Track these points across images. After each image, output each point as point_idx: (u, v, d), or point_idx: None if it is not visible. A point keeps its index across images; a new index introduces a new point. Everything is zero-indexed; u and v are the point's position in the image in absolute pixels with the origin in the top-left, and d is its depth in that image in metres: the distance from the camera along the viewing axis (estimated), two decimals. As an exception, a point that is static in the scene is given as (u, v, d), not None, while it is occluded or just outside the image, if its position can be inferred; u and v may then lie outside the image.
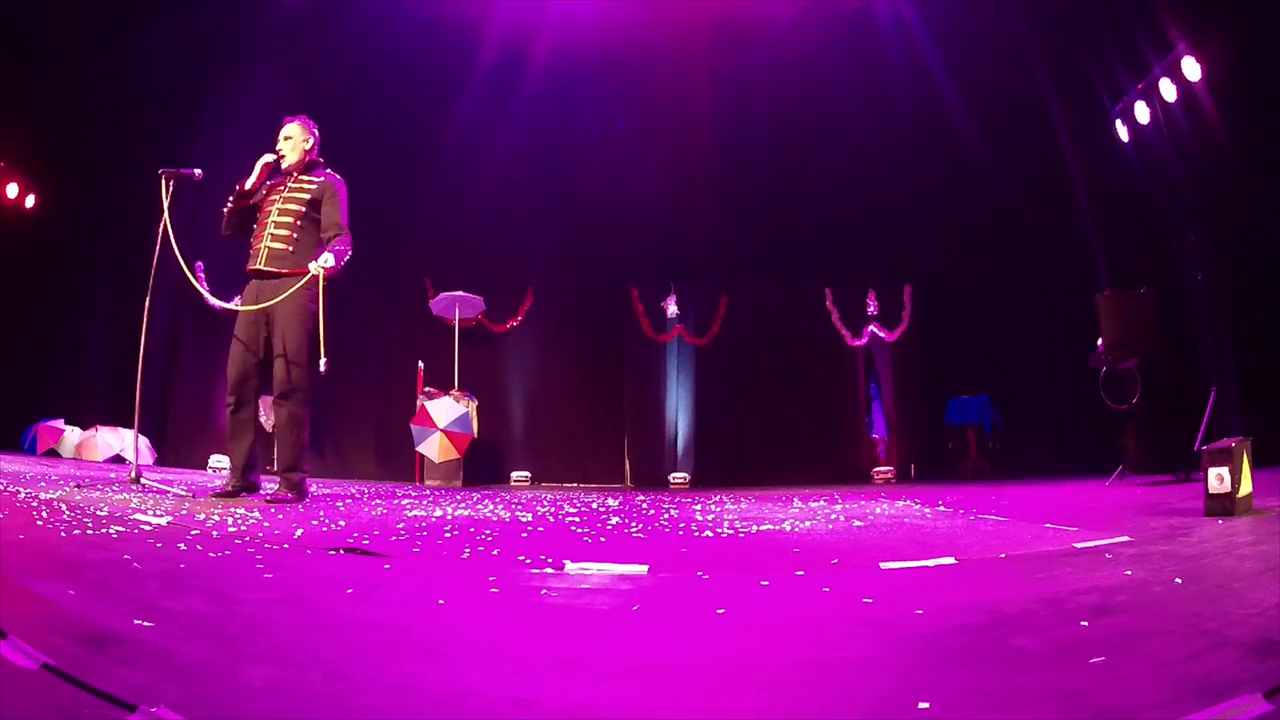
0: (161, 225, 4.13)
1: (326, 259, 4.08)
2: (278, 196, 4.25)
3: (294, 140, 4.29)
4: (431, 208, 8.21)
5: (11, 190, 7.79)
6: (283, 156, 4.28)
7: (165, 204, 4.15)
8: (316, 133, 4.38)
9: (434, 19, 7.76)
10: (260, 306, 4.10)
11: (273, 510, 3.56)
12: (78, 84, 7.48)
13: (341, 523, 3.20)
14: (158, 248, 4.16)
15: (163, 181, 4.18)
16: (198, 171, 4.36)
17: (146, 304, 4.24)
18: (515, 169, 8.23)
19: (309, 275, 4.05)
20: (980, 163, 7.63)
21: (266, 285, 4.14)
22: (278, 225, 4.18)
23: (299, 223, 4.19)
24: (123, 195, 7.18)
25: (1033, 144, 7.43)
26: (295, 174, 4.28)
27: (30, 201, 7.93)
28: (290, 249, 4.15)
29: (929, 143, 7.92)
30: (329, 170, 4.37)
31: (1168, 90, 6.06)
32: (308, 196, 4.22)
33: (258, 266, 4.16)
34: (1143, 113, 6.41)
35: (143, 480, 4.08)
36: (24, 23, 7.04)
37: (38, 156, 7.73)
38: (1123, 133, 6.73)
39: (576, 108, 8.30)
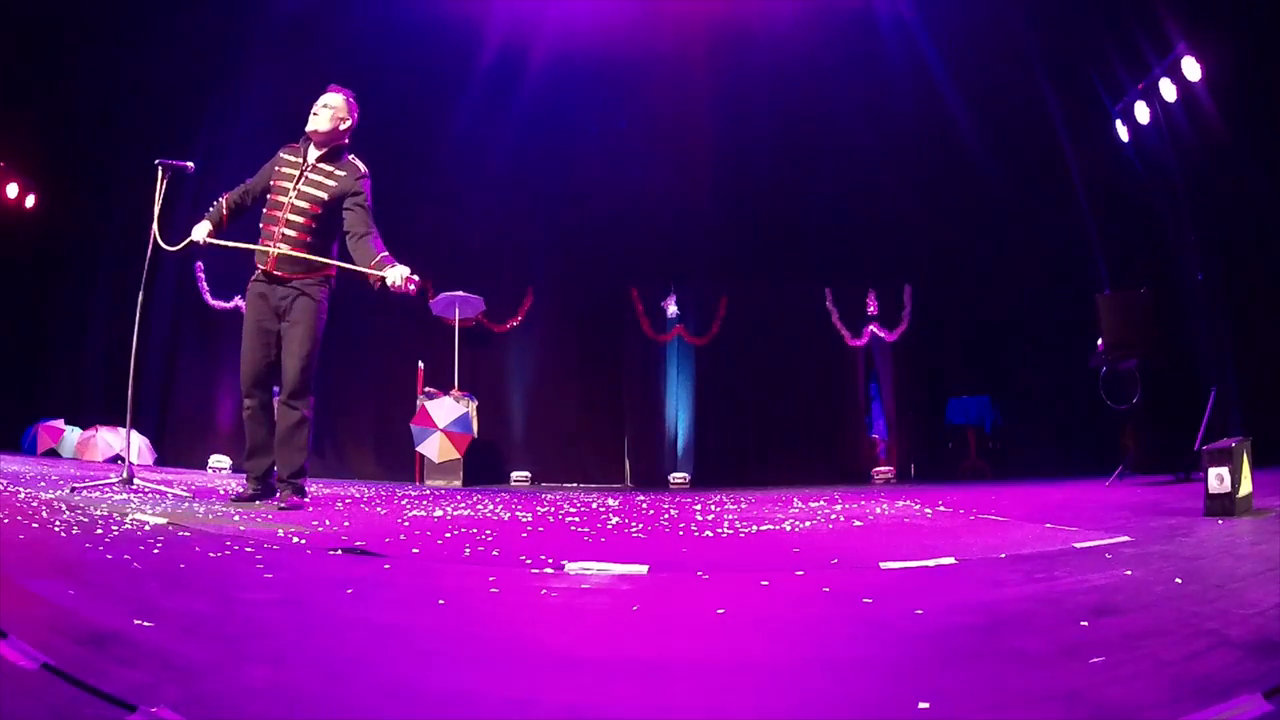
0: (155, 217, 3.98)
1: (404, 271, 3.73)
2: (291, 184, 3.83)
3: (333, 110, 3.89)
4: (432, 208, 8.20)
5: (11, 190, 7.79)
6: (315, 116, 3.86)
7: (159, 193, 4.02)
8: (357, 116, 4.00)
9: (435, 19, 7.76)
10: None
11: (288, 514, 3.52)
12: (78, 84, 7.48)
13: (347, 522, 3.20)
14: (151, 241, 4.04)
15: (159, 171, 4.07)
16: (190, 165, 4.20)
17: (140, 298, 4.16)
18: (516, 169, 8.23)
19: (375, 274, 3.76)
20: (980, 163, 7.62)
21: (277, 290, 3.84)
22: (289, 225, 3.80)
23: (315, 225, 3.82)
24: (123, 195, 7.18)
25: (1033, 144, 7.43)
26: (318, 159, 3.87)
27: (30, 201, 7.93)
28: (305, 250, 3.82)
29: (929, 143, 7.92)
30: (353, 157, 3.95)
31: (1168, 90, 6.06)
32: (327, 196, 3.82)
33: (269, 270, 3.83)
34: (1143, 113, 6.41)
35: (135, 482, 4.06)
36: (25, 23, 7.04)
37: (38, 156, 7.72)
38: (1123, 133, 6.72)
39: (577, 108, 8.29)
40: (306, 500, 3.96)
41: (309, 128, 3.86)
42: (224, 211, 3.98)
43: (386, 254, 3.80)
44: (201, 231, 3.92)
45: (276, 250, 3.79)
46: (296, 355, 3.81)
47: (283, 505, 3.75)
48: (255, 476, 3.94)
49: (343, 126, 3.92)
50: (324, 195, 3.82)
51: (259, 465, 3.93)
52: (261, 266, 3.85)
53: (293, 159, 3.90)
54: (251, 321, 3.90)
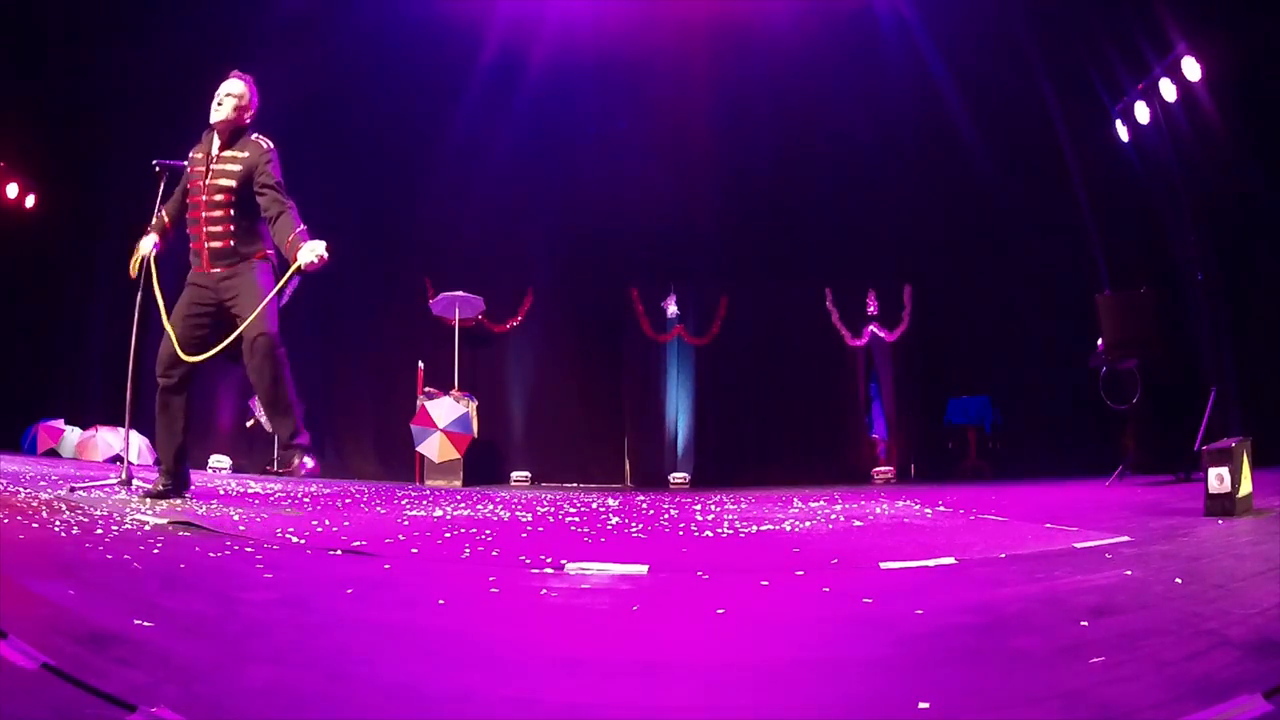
0: (154, 217, 3.99)
1: (314, 247, 3.52)
2: (202, 179, 3.77)
3: (236, 99, 3.80)
4: (431, 208, 8.20)
5: (11, 190, 7.78)
6: (218, 106, 3.77)
7: (160, 194, 4.02)
8: (257, 101, 3.91)
9: (434, 19, 7.76)
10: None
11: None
12: (77, 84, 7.47)
13: (347, 522, 3.20)
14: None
15: (157, 172, 4.06)
16: (188, 165, 4.14)
17: (139, 298, 4.14)
18: (515, 169, 8.23)
19: (292, 269, 3.60)
20: (980, 163, 7.62)
21: (216, 276, 3.78)
22: (210, 221, 3.75)
23: (232, 212, 3.75)
24: (123, 195, 7.17)
25: (1033, 144, 7.43)
26: (222, 147, 3.79)
27: (30, 201, 7.93)
28: (231, 243, 3.76)
29: (929, 143, 7.92)
30: (257, 136, 3.84)
31: (1168, 90, 6.06)
32: (235, 182, 3.73)
33: (203, 270, 3.80)
34: (1143, 113, 6.41)
35: (135, 482, 4.04)
36: (24, 23, 7.03)
37: (38, 156, 7.72)
38: (1123, 133, 6.73)
39: (577, 108, 8.29)
40: (314, 454, 3.81)
41: (212, 119, 3.79)
42: (166, 220, 3.96)
43: (302, 229, 3.64)
44: (148, 245, 3.90)
45: (207, 248, 3.75)
46: (257, 316, 3.63)
47: (296, 470, 3.63)
48: (165, 469, 3.81)
49: (246, 114, 3.84)
50: (233, 182, 3.74)
51: (167, 455, 3.80)
52: (196, 267, 3.83)
53: (199, 155, 3.84)
54: (185, 301, 3.82)
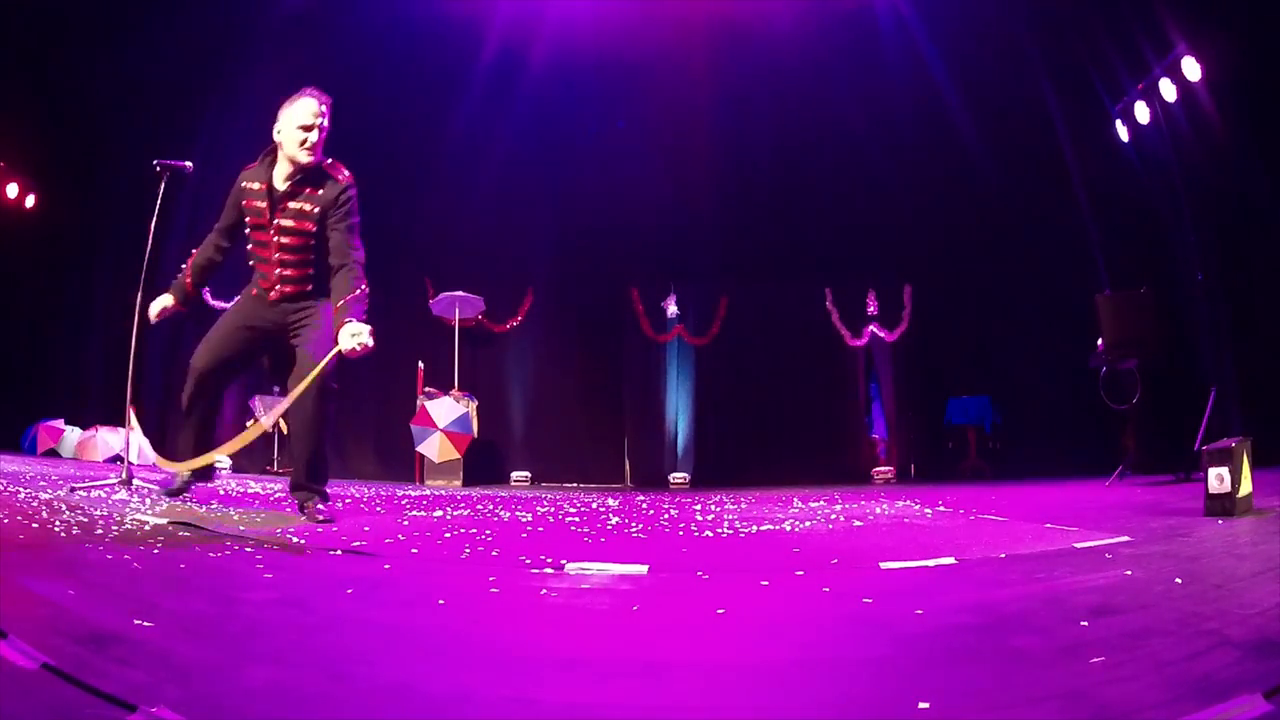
0: (154, 218, 3.95)
1: (357, 333, 3.12)
2: (269, 219, 3.33)
3: (325, 128, 3.32)
4: (432, 208, 8.21)
5: (11, 190, 7.79)
6: (309, 144, 3.28)
7: (160, 193, 3.99)
8: None
9: (435, 19, 7.77)
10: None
11: (319, 517, 3.22)
12: (78, 84, 7.48)
13: (348, 522, 3.20)
14: (149, 242, 4.01)
15: (158, 172, 4.00)
16: (188, 164, 4.07)
17: (139, 298, 4.12)
18: (515, 169, 8.23)
19: (332, 352, 3.22)
20: (980, 162, 7.62)
21: (283, 305, 3.44)
22: (284, 264, 3.37)
23: (311, 255, 3.37)
24: (123, 195, 7.18)
25: (1033, 144, 7.43)
26: (296, 181, 3.31)
27: (30, 201, 7.93)
28: (309, 287, 3.41)
29: (929, 143, 7.92)
30: (331, 162, 3.40)
31: (1168, 90, 6.06)
32: (313, 219, 3.31)
33: (273, 299, 3.43)
34: (1143, 113, 6.41)
35: (135, 482, 4.03)
36: (24, 22, 7.03)
37: (38, 156, 7.72)
38: (1123, 133, 6.72)
39: (577, 108, 8.30)
40: (332, 507, 3.49)
41: (303, 159, 3.29)
42: (188, 279, 3.63)
43: (354, 295, 3.24)
44: (155, 308, 3.64)
45: (280, 278, 3.40)
46: (316, 371, 3.24)
47: (313, 515, 3.23)
48: (190, 468, 3.59)
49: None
50: (310, 225, 3.32)
51: (190, 451, 3.59)
52: (262, 292, 3.47)
53: (256, 185, 3.37)
54: (244, 311, 3.48)
